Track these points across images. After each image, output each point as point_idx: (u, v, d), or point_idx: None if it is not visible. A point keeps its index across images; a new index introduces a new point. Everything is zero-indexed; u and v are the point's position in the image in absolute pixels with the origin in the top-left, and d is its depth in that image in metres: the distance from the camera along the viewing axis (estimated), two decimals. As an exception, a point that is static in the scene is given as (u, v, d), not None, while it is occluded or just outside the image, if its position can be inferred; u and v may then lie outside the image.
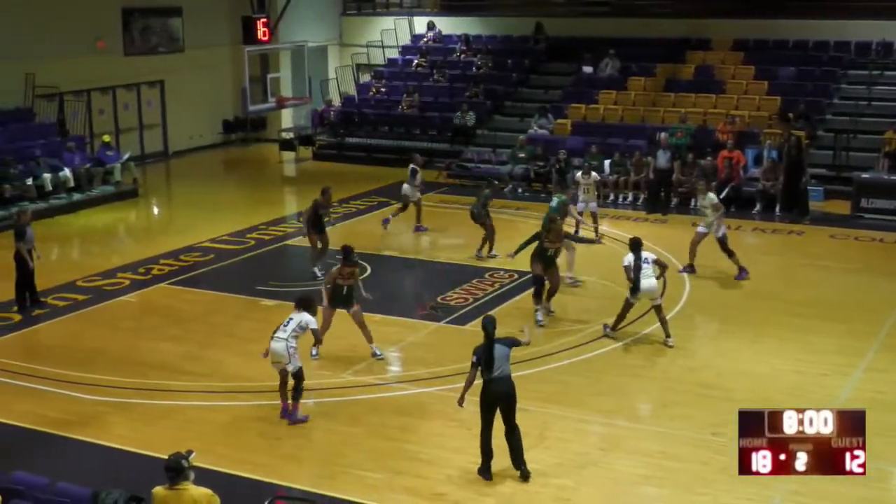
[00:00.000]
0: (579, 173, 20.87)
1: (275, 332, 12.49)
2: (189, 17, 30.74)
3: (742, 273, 18.14)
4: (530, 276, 16.38)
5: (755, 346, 15.09)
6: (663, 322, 14.99)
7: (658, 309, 14.98)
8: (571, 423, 12.57)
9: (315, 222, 18.40)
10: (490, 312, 12.94)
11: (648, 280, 14.73)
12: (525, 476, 11.10)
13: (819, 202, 23.46)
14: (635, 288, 14.72)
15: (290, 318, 12.45)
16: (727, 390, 13.39)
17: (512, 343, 11.21)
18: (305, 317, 12.42)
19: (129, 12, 29.17)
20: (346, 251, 14.59)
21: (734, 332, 15.70)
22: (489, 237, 19.54)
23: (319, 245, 18.49)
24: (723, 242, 18.14)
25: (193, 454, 8.48)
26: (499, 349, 10.98)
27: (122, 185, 25.76)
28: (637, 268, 14.73)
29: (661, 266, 15.01)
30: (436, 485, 11.11)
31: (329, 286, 14.42)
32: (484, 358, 10.93)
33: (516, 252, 16.46)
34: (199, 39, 30.90)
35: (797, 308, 16.77)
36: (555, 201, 18.19)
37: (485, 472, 11.18)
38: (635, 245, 15.04)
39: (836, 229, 21.72)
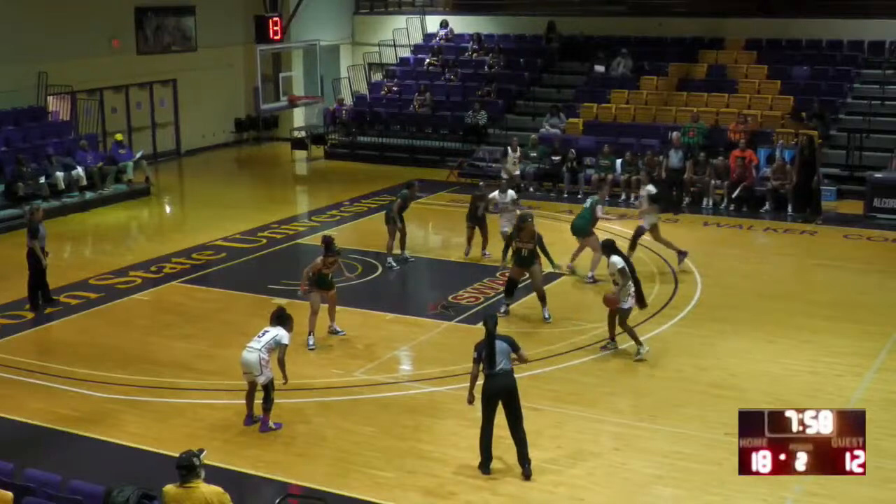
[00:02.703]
0: (496, 192, 19.24)
1: (249, 342, 12.34)
2: (202, 16, 30.78)
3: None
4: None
5: (768, 347, 15.04)
6: (612, 327, 14.75)
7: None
8: (585, 423, 12.55)
9: (401, 215, 19.19)
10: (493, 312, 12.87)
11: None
12: (527, 475, 11.09)
13: (832, 202, 23.37)
14: (640, 292, 14.38)
15: (266, 331, 12.31)
16: (741, 391, 13.35)
17: (513, 342, 11.24)
18: (281, 332, 12.27)
19: (143, 11, 29.23)
20: (328, 242, 15.04)
21: (747, 332, 15.64)
22: (485, 236, 19.75)
23: (399, 234, 19.27)
24: (640, 233, 18.31)
25: (205, 452, 8.50)
26: (499, 345, 11.03)
27: (135, 183, 25.81)
28: (633, 269, 14.34)
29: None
30: (447, 484, 11.10)
31: (312, 276, 14.85)
32: (485, 353, 10.98)
33: (504, 259, 16.51)
34: (211, 38, 30.95)
35: (811, 308, 16.71)
36: (588, 202, 18.23)
37: (484, 467, 11.21)
38: (614, 247, 14.54)
39: (850, 229, 21.62)
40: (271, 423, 12.39)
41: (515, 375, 12.45)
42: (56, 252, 18.81)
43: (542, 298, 15.97)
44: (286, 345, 12.29)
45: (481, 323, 11.32)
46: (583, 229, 17.89)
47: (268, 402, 12.32)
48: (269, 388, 12.26)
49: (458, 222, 21.19)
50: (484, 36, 32.29)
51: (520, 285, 16.46)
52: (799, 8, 29.31)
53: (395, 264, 19.08)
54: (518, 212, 18.29)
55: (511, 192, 18.95)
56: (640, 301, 14.60)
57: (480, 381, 11.18)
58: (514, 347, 11.21)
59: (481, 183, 20.25)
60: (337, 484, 11.10)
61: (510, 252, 16.34)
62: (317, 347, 14.89)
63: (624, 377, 13.99)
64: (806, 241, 20.99)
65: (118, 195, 25.13)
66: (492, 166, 26.77)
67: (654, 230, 18.33)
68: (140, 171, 26.24)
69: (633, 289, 14.29)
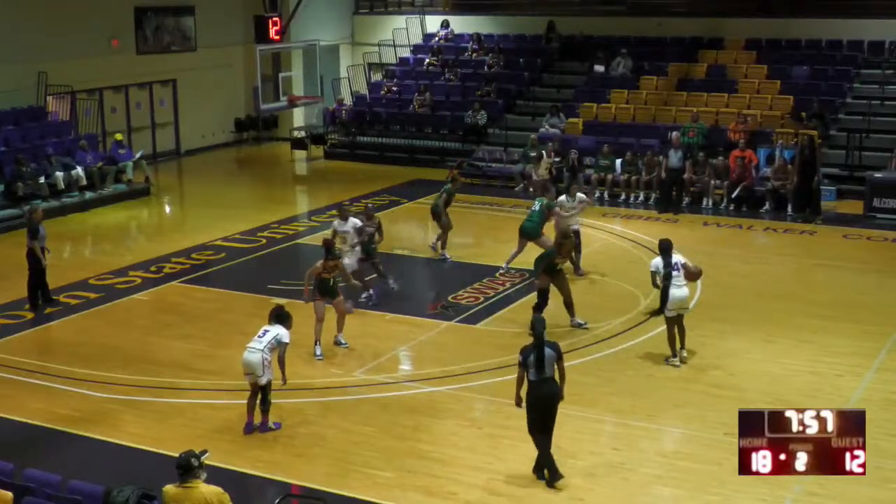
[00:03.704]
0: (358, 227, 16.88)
1: (249, 342, 12.25)
2: (202, 15, 30.77)
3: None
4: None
5: (768, 347, 15.04)
6: (682, 333, 14.35)
7: (680, 319, 14.32)
8: (585, 423, 12.54)
9: (446, 210, 19.32)
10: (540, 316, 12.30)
11: (680, 289, 14.03)
12: (542, 479, 11.04)
13: (832, 202, 23.36)
14: (665, 298, 14.03)
15: (266, 331, 12.22)
16: (740, 391, 13.35)
17: (560, 351, 10.97)
18: (282, 330, 12.20)
19: (142, 11, 29.22)
20: (328, 246, 14.81)
21: (747, 332, 15.63)
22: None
23: (442, 230, 19.39)
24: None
25: (207, 454, 8.49)
26: (548, 351, 10.80)
27: (135, 183, 25.80)
28: (667, 275, 13.96)
29: (690, 272, 14.13)
30: (447, 484, 11.09)
31: (312, 281, 14.60)
32: (534, 358, 10.75)
33: (537, 273, 15.65)
34: (211, 38, 30.94)
35: (810, 308, 16.71)
36: (537, 204, 18.01)
37: (552, 477, 10.95)
38: (665, 248, 14.16)
39: (849, 229, 21.62)
40: (271, 423, 12.37)
41: (516, 375, 12.39)
42: (56, 252, 18.80)
43: (570, 306, 15.64)
44: (286, 343, 12.25)
45: (529, 328, 11.03)
46: (533, 232, 17.60)
47: (265, 404, 12.29)
48: (266, 388, 12.24)
49: (459, 222, 21.23)
50: (483, 36, 32.27)
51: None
52: (798, 8, 29.32)
53: (448, 257, 19.27)
54: (356, 247, 16.53)
55: (353, 220, 16.73)
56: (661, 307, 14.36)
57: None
58: (560, 356, 10.95)
59: (369, 204, 18.57)
60: (337, 484, 11.10)
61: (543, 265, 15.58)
62: (324, 357, 14.65)
63: (623, 377, 13.98)
64: (806, 241, 20.99)
65: (118, 195, 25.11)
66: (491, 166, 26.75)
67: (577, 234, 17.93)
68: (140, 171, 26.23)
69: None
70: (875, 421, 11.37)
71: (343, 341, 15.03)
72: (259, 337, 12.18)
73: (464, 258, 19.68)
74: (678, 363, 14.24)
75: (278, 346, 12.18)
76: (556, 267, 15.45)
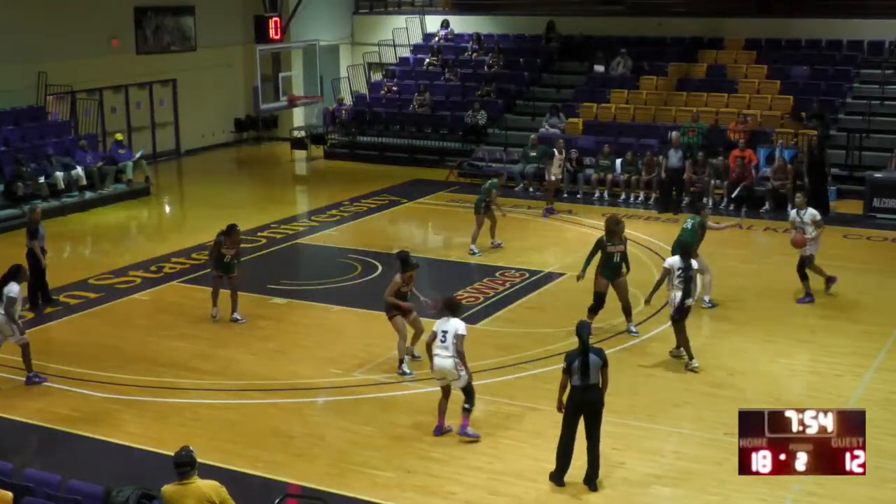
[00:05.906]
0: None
1: (429, 348, 11.99)
2: (201, 15, 30.78)
3: (807, 297, 17.01)
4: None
5: (768, 347, 15.04)
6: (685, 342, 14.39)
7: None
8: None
9: (489, 205, 19.70)
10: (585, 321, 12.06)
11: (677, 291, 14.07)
12: (593, 489, 10.93)
13: (832, 202, 23.35)
14: (682, 303, 13.96)
15: (445, 331, 11.82)
16: (740, 390, 13.35)
17: (605, 358, 10.83)
18: (458, 323, 11.88)
19: (142, 11, 29.22)
20: (403, 257, 14.18)
21: (746, 332, 15.63)
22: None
23: (487, 223, 19.76)
24: (805, 262, 16.99)
25: (191, 450, 8.52)
26: (593, 358, 10.68)
27: (134, 183, 25.80)
28: (688, 278, 13.85)
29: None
30: (447, 484, 11.09)
31: (393, 296, 13.96)
32: (579, 364, 10.64)
33: (584, 271, 15.42)
34: (211, 38, 30.96)
35: (810, 308, 16.70)
36: (689, 223, 16.40)
37: (558, 478, 10.94)
38: (685, 250, 14.17)
39: (849, 229, 21.61)
40: (470, 429, 12.04)
41: (516, 375, 12.43)
42: (56, 252, 18.79)
43: (628, 312, 15.45)
44: (464, 335, 11.86)
45: (574, 333, 10.92)
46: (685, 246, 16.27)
47: (470, 402, 11.98)
48: (468, 390, 11.96)
49: (458, 222, 21.29)
50: (483, 36, 32.29)
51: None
52: (798, 8, 29.34)
53: (477, 252, 19.50)
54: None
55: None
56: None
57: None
58: (605, 363, 10.81)
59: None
60: (336, 484, 11.09)
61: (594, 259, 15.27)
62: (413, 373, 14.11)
63: (623, 377, 13.94)
64: (806, 241, 20.96)
65: (118, 195, 25.11)
66: (491, 166, 26.74)
67: (812, 259, 17.02)
68: (140, 171, 26.23)
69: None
70: (875, 421, 11.37)
71: (416, 353, 14.43)
72: (442, 341, 11.86)
73: (464, 258, 19.68)
74: (696, 365, 14.09)
75: (458, 341, 11.84)
76: (614, 259, 15.05)
